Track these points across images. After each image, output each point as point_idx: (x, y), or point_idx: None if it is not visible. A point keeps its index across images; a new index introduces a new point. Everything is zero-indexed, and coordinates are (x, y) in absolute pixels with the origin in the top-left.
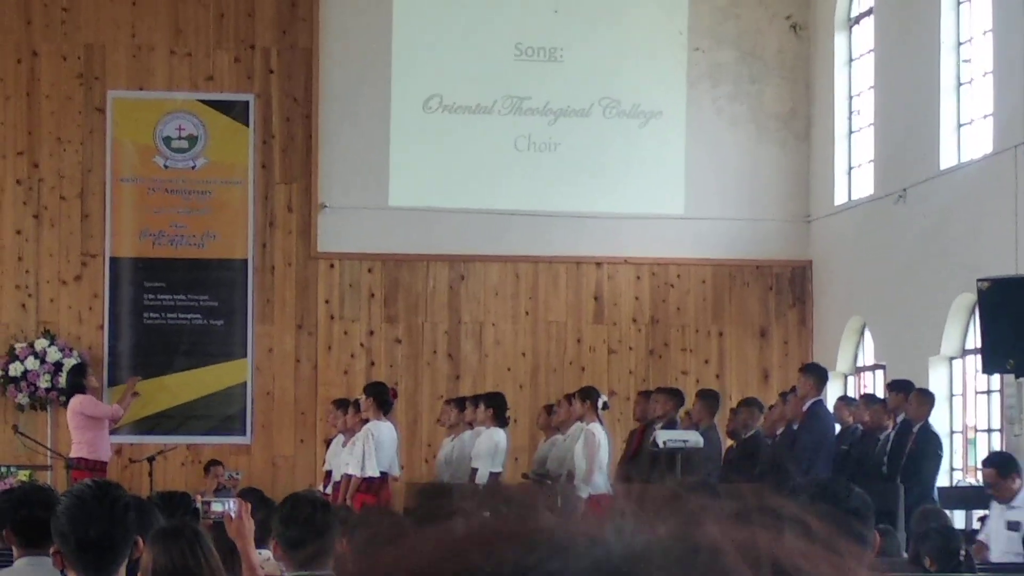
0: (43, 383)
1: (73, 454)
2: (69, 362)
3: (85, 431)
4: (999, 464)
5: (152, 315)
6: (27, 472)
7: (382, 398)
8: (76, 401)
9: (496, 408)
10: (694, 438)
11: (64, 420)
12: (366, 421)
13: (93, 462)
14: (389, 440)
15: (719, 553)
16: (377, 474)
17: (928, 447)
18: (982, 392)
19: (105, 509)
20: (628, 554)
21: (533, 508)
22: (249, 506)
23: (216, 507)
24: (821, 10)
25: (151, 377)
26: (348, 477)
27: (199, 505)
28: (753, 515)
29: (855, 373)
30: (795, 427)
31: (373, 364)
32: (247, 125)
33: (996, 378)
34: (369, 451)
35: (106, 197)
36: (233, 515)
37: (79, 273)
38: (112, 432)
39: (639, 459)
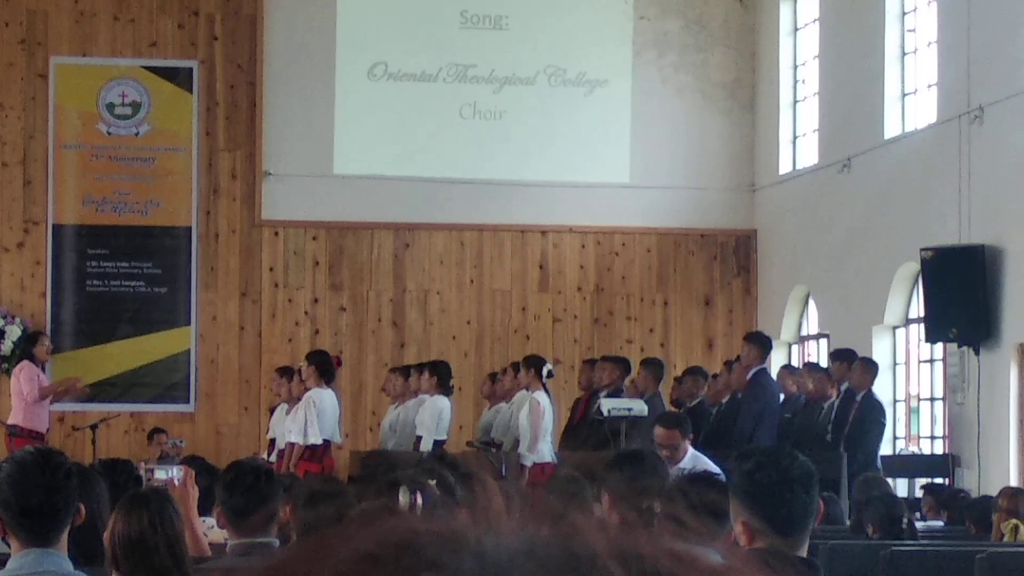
0: None
1: (10, 420)
2: (11, 329)
3: (23, 398)
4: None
5: (95, 282)
6: None
7: (324, 366)
8: (18, 368)
9: (440, 376)
10: (639, 406)
11: (7, 387)
12: (309, 389)
13: (29, 431)
14: (331, 408)
15: (596, 559)
16: (319, 442)
17: (871, 415)
18: (925, 361)
19: (47, 476)
20: (506, 563)
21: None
22: (193, 473)
23: (160, 474)
24: None
25: (94, 345)
26: (291, 445)
27: (142, 472)
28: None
29: (799, 342)
30: (739, 396)
31: (318, 332)
32: (191, 92)
33: (939, 347)
34: (311, 419)
35: (49, 164)
36: (177, 482)
37: (21, 240)
38: (55, 400)
39: (583, 427)
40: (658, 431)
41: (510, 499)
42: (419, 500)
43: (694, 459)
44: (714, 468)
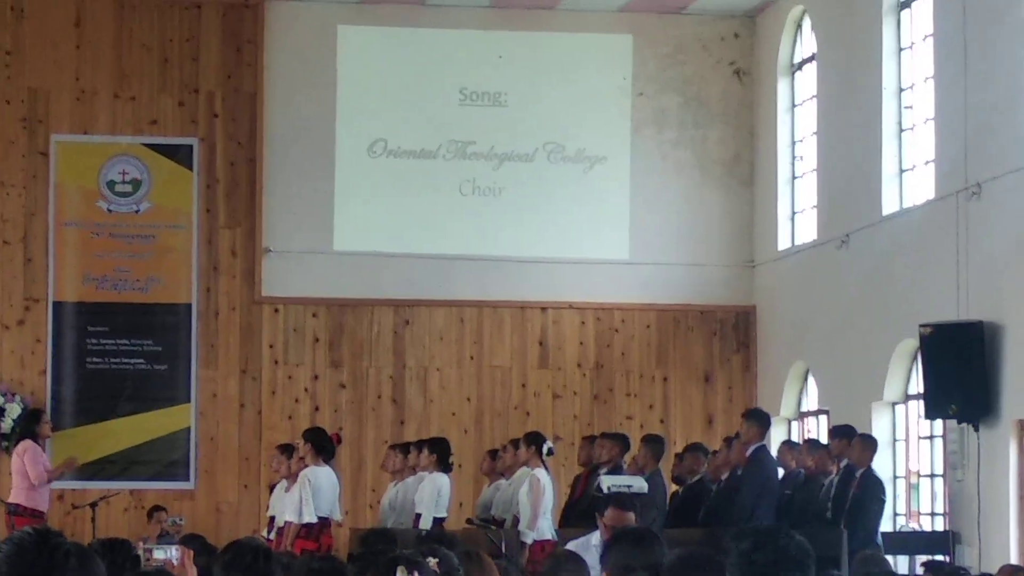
0: None
1: (11, 499)
2: (11, 407)
3: (25, 478)
4: None
5: (95, 360)
6: None
7: (320, 444)
8: (22, 447)
9: (440, 453)
10: (639, 483)
11: (6, 465)
12: (306, 467)
13: (31, 510)
14: (328, 485)
15: None
16: (315, 520)
17: (871, 492)
18: (925, 437)
19: (45, 557)
20: None
21: None
22: (192, 553)
23: (158, 554)
24: (764, 56)
25: (94, 422)
26: (289, 523)
27: (140, 552)
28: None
29: (799, 418)
30: (739, 472)
31: (318, 409)
32: (191, 169)
33: (939, 423)
34: (306, 497)
35: (49, 241)
36: (175, 562)
37: (22, 317)
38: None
39: (583, 504)
40: (617, 513)
41: None
42: None
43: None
44: None
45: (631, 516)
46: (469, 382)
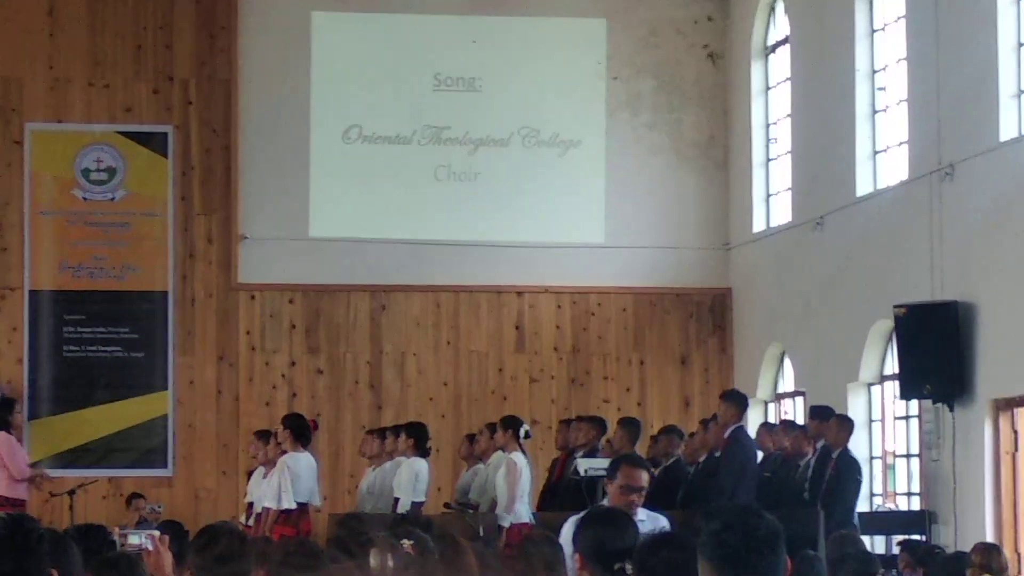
0: None
1: None
2: None
3: (3, 468)
4: None
5: (72, 348)
6: None
7: (299, 430)
8: None
9: (417, 438)
10: None
11: None
12: (285, 453)
13: (13, 499)
14: (307, 471)
15: None
16: (294, 506)
17: (848, 472)
18: (901, 418)
19: (18, 542)
20: None
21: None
22: (167, 539)
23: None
24: (738, 39)
25: (72, 410)
26: (267, 509)
27: (116, 538)
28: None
29: (775, 400)
30: (716, 454)
31: (295, 395)
32: (166, 156)
33: (914, 404)
34: (285, 483)
35: (24, 230)
36: (151, 548)
37: None
38: (32, 466)
39: (561, 487)
40: (632, 472)
41: (483, 561)
42: (390, 562)
43: (653, 520)
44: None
45: (644, 474)
46: (446, 367)
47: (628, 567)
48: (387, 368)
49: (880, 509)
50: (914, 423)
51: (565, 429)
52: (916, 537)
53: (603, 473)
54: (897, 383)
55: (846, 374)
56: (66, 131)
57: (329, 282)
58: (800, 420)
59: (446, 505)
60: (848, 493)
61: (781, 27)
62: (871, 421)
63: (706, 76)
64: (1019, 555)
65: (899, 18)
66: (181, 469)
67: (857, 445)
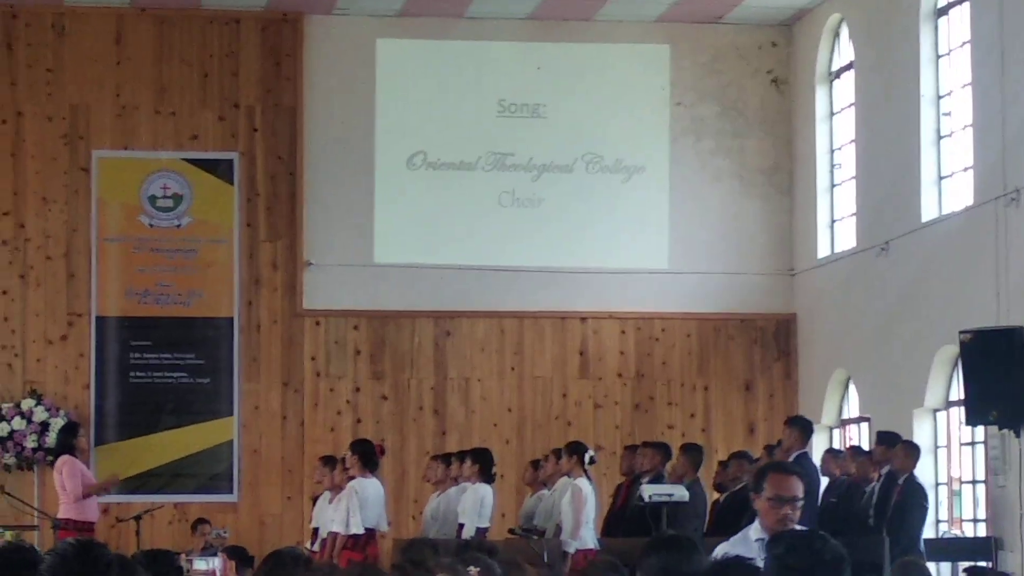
0: (30, 443)
1: (61, 515)
2: (56, 422)
3: (66, 492)
4: None
5: (138, 374)
6: (13, 532)
7: (367, 455)
8: (61, 462)
9: (482, 464)
10: (679, 492)
11: (51, 480)
12: (352, 478)
13: (81, 523)
14: (375, 496)
15: None
16: (362, 531)
17: (914, 499)
18: (966, 444)
19: (87, 567)
20: None
21: None
22: (233, 564)
23: (199, 565)
24: (802, 65)
25: (138, 436)
26: (334, 535)
27: (183, 563)
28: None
29: (840, 426)
30: None
31: (359, 421)
32: (232, 183)
33: (980, 430)
34: (353, 508)
35: (92, 256)
36: (218, 573)
37: (65, 332)
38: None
39: (625, 513)
40: (782, 480)
41: None
42: None
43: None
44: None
45: (798, 482)
46: (510, 392)
47: None
48: (451, 394)
49: (946, 535)
50: (980, 449)
51: (630, 455)
52: (982, 564)
53: (667, 499)
54: (963, 409)
55: (911, 400)
56: (133, 158)
57: (393, 308)
58: (865, 446)
59: (511, 531)
60: (914, 519)
61: (845, 53)
62: (936, 447)
63: (770, 102)
64: None
65: (964, 43)
66: (246, 495)
67: (923, 471)
